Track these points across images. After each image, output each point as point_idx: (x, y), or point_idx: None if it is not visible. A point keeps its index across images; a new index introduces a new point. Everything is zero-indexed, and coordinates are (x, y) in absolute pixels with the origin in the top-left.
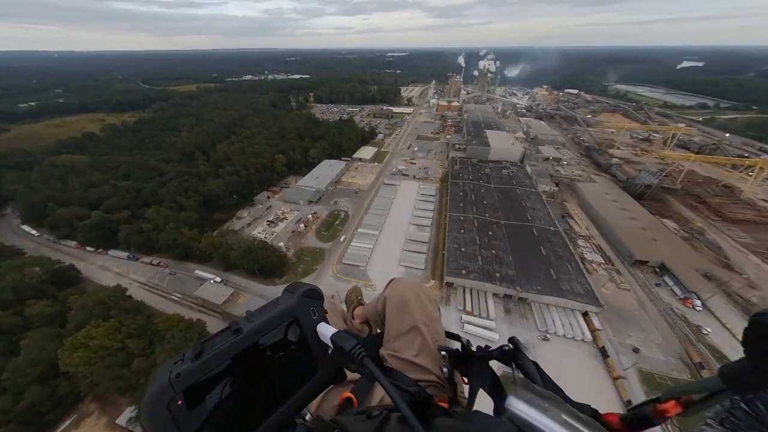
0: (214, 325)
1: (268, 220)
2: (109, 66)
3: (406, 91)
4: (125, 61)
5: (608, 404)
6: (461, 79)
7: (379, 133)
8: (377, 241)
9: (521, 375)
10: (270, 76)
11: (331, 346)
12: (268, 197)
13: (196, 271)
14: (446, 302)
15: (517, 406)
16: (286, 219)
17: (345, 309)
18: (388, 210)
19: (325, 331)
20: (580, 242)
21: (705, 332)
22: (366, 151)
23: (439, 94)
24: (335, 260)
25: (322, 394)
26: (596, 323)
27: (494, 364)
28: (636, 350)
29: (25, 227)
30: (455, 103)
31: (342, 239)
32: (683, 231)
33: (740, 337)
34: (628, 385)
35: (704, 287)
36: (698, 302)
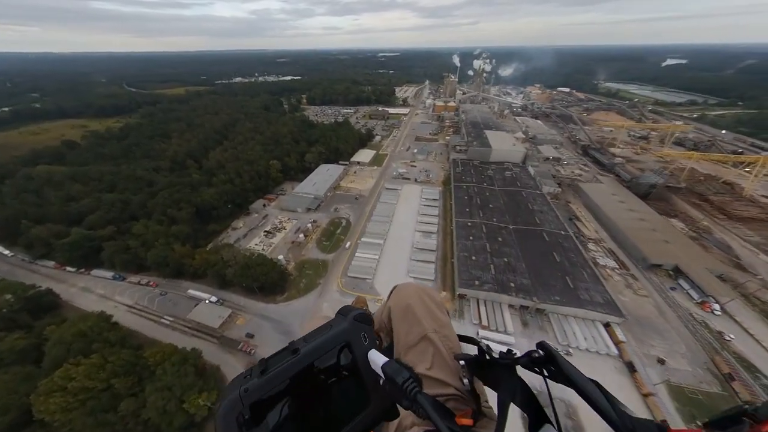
0: (211, 352)
1: (265, 231)
2: (90, 68)
3: (400, 92)
4: (108, 62)
5: None
6: (456, 79)
7: (377, 135)
8: (382, 251)
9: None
10: (261, 78)
11: (383, 376)
12: (264, 205)
13: (190, 291)
14: (459, 316)
15: None
16: (284, 229)
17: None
18: (391, 216)
19: (377, 359)
20: (591, 246)
21: (728, 339)
22: (364, 154)
23: (434, 95)
24: (339, 273)
25: None
26: (620, 335)
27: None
28: (661, 361)
29: None
30: (452, 104)
31: (347, 245)
32: (691, 230)
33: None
34: (660, 402)
35: (720, 290)
36: (716, 306)
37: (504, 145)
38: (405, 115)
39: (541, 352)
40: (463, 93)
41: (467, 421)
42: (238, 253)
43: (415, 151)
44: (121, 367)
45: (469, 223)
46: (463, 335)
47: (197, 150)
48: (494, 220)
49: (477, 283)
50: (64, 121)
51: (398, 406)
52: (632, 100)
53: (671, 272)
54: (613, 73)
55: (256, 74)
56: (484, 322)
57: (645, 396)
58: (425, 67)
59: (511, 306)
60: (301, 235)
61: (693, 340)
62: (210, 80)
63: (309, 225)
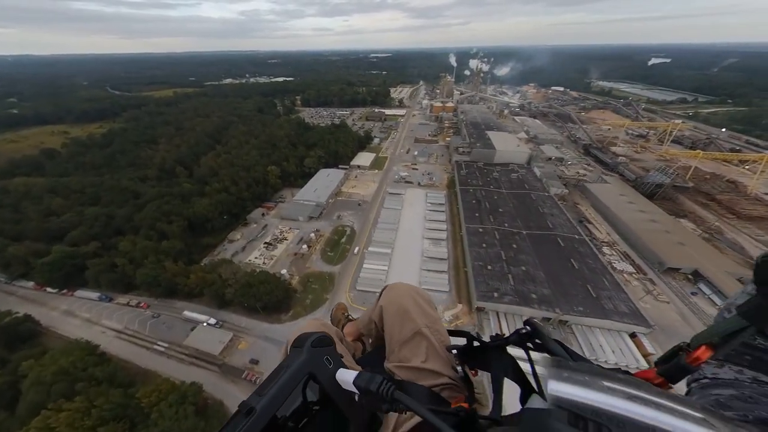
0: (212, 383)
1: (265, 242)
2: (71, 71)
3: (395, 92)
4: (91, 64)
5: None
6: (453, 79)
7: (375, 137)
8: (391, 261)
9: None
10: (252, 79)
11: (356, 391)
12: (263, 215)
13: (185, 312)
14: (480, 331)
15: (559, 388)
16: (285, 239)
17: (338, 329)
18: (397, 223)
19: (346, 377)
20: (605, 250)
21: None
22: (364, 158)
23: (431, 95)
24: (347, 286)
25: None
26: (648, 346)
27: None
28: None
29: None
30: (450, 104)
31: (356, 250)
32: (702, 231)
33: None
34: None
35: None
36: None
37: (508, 146)
38: (402, 116)
39: (528, 328)
40: (461, 93)
41: (463, 405)
42: (238, 270)
43: (416, 153)
44: (110, 411)
45: (480, 229)
46: (452, 329)
47: (187, 156)
48: (506, 225)
49: (496, 295)
50: (44, 128)
51: (378, 413)
52: (627, 99)
53: (690, 276)
54: (604, 71)
55: (247, 75)
56: None
57: None
58: (418, 67)
59: None
60: (305, 246)
61: None
62: (199, 81)
63: (312, 234)
